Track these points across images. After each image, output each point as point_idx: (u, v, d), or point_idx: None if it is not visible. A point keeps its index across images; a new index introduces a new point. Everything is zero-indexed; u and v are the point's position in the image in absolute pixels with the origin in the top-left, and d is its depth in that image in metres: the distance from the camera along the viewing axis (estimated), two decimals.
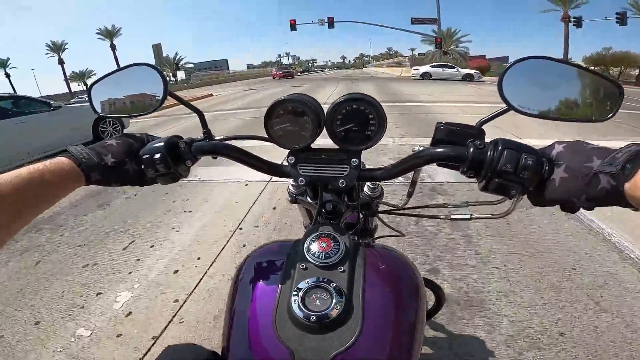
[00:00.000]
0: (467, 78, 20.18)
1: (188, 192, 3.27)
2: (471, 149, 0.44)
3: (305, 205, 0.69)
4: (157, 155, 0.51)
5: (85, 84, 54.52)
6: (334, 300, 0.43)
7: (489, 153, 0.43)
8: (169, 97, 0.56)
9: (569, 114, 0.47)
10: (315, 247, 0.49)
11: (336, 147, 0.52)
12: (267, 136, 0.53)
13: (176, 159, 0.54)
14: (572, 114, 0.47)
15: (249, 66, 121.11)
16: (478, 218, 0.59)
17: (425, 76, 21.39)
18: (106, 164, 0.49)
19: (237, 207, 2.87)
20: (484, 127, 0.47)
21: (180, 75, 52.01)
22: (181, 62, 45.42)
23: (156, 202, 3.07)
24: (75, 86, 55.44)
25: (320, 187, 0.55)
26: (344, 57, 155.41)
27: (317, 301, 0.43)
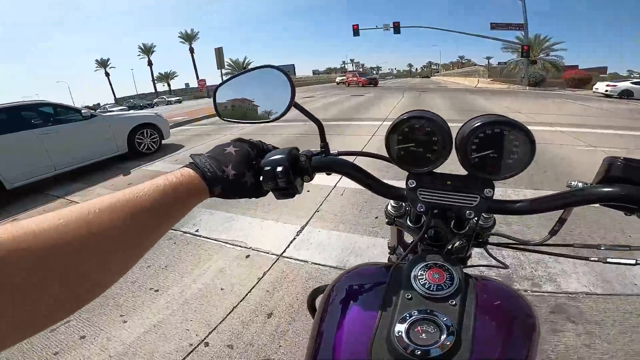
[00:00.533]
0: None
1: (174, 252, 2.49)
2: None
3: (404, 228, 0.64)
4: (280, 169, 0.48)
5: (169, 84, 60.46)
6: (443, 336, 0.39)
7: None
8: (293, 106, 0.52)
9: None
10: (424, 276, 0.46)
11: (462, 173, 0.48)
12: (386, 155, 0.50)
13: (295, 172, 0.51)
14: None
15: (314, 72, 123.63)
16: (613, 264, 0.51)
17: (624, 94, 15.66)
18: (228, 176, 0.47)
19: (219, 299, 1.93)
20: None
21: None
22: (249, 66, 47.05)
23: None
24: (161, 86, 61.87)
25: (429, 212, 0.50)
26: (410, 65, 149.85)
27: (423, 334, 0.40)
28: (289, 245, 2.43)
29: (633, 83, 16.42)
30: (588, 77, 24.21)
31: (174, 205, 0.40)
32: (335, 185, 3.52)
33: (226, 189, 0.47)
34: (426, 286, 0.45)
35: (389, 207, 0.65)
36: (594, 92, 17.37)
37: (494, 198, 0.48)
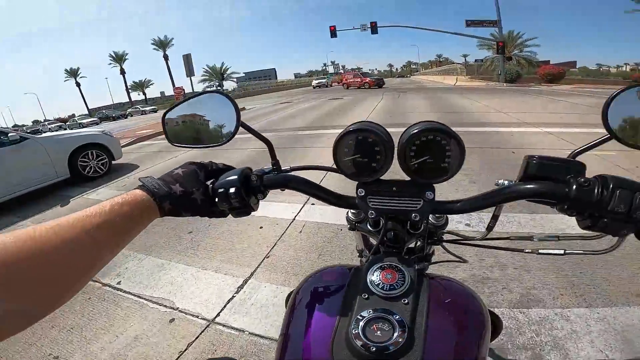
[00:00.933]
0: None
1: (85, 309, 2.06)
2: (574, 187, 0.42)
3: (365, 233, 0.67)
4: (232, 190, 0.50)
5: (144, 93, 58.63)
6: (396, 333, 0.42)
7: (595, 191, 0.41)
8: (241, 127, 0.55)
9: None
10: (378, 277, 0.48)
11: (406, 179, 0.51)
12: (334, 166, 0.52)
13: (248, 192, 0.53)
14: None
15: (296, 75, 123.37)
16: (574, 254, 0.54)
17: None
18: (175, 193, 0.48)
19: None
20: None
21: (229, 85, 53.59)
22: (227, 73, 46.15)
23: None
24: (136, 95, 60.01)
25: (384, 217, 0.54)
26: (390, 65, 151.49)
27: (379, 332, 0.42)
28: (224, 307, 1.93)
29: None
30: (562, 72, 24.59)
31: (126, 224, 0.42)
32: (293, 219, 2.97)
33: (175, 204, 0.48)
34: (380, 286, 0.47)
35: (349, 214, 0.67)
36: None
37: (436, 200, 0.51)
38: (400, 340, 0.41)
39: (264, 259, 2.38)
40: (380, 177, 0.52)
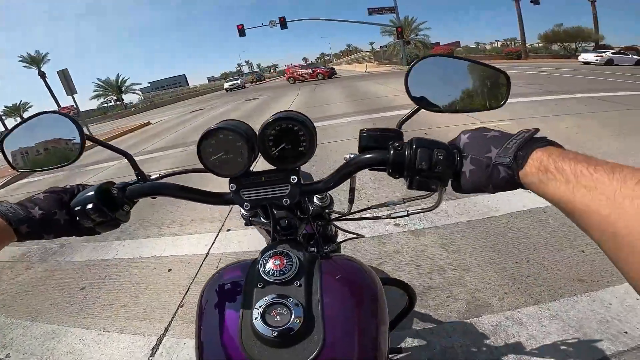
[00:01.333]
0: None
1: None
2: (391, 152, 0.46)
3: (260, 226, 0.70)
4: (90, 206, 0.50)
5: (22, 118, 49.15)
6: (293, 315, 0.45)
7: (406, 153, 0.45)
8: (90, 142, 0.55)
9: (471, 105, 0.52)
10: (270, 265, 0.50)
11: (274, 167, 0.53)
12: (202, 167, 0.53)
13: (111, 205, 0.53)
14: (473, 105, 0.52)
15: (209, 79, 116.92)
16: (413, 213, 0.63)
17: (609, 62, 18.06)
18: (34, 216, 0.48)
19: None
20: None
21: (132, 97, 47.65)
22: (126, 85, 40.80)
23: None
24: (12, 122, 50.00)
25: (269, 206, 0.57)
26: (305, 59, 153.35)
27: (278, 317, 0.45)
28: None
29: (613, 53, 19.11)
30: (450, 51, 27.75)
31: None
32: (207, 254, 2.43)
33: (34, 227, 0.48)
34: (271, 273, 0.49)
35: (242, 210, 0.66)
36: (583, 62, 19.20)
37: (303, 182, 0.54)
38: (298, 320, 0.44)
39: (177, 308, 1.92)
40: (250, 170, 0.53)
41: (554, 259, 1.81)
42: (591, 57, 19.35)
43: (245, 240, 2.47)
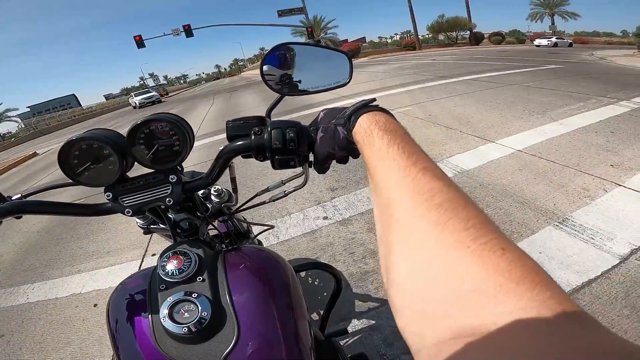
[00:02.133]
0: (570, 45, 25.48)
1: None
2: (252, 137, 0.48)
3: (160, 232, 0.70)
4: None
5: None
6: (200, 308, 0.45)
7: (265, 137, 0.48)
8: None
9: (324, 85, 0.57)
10: (169, 266, 0.50)
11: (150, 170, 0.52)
12: (70, 180, 0.51)
13: None
14: (326, 85, 0.57)
15: (107, 97, 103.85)
16: (289, 192, 0.65)
17: (555, 45, 24.67)
18: None
19: None
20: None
21: (9, 126, 39.63)
22: None
23: None
24: None
25: (162, 210, 0.57)
26: (218, 66, 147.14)
27: (186, 313, 0.45)
28: None
29: (557, 39, 26.28)
30: (358, 47, 29.66)
31: None
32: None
33: None
34: (171, 274, 0.49)
35: (137, 220, 0.67)
36: (537, 45, 25.90)
37: (183, 180, 0.53)
38: (206, 313, 0.45)
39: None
40: (126, 176, 0.52)
41: None
42: (544, 42, 26.63)
43: None
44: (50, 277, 2.51)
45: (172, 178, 0.52)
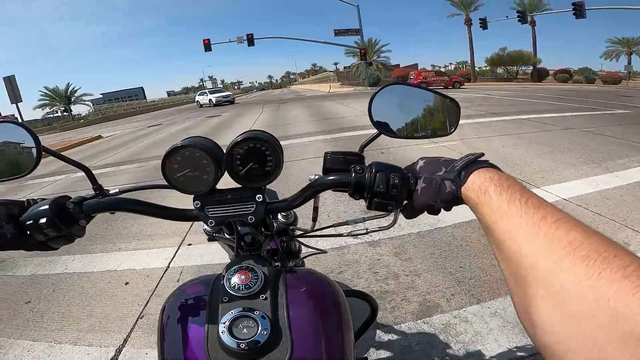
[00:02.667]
0: None
1: None
2: (353, 175, 0.50)
3: (224, 241, 0.71)
4: (43, 220, 0.49)
5: None
6: (260, 327, 0.45)
7: (367, 176, 0.49)
8: (47, 154, 0.54)
9: (424, 132, 0.56)
10: (235, 279, 0.51)
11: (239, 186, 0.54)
12: (165, 184, 0.53)
13: (66, 219, 0.52)
14: (426, 132, 0.56)
15: (169, 93, 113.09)
16: (372, 231, 0.65)
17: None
18: None
19: None
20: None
21: (82, 109, 44.52)
22: (76, 95, 38.15)
23: None
24: None
25: (234, 223, 0.57)
26: (270, 77, 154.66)
27: (245, 329, 0.45)
28: None
29: None
30: (407, 73, 29.53)
31: None
32: (167, 267, 2.38)
33: None
34: (237, 288, 0.50)
35: (205, 226, 0.66)
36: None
37: (267, 201, 0.55)
38: (265, 332, 0.45)
39: (137, 320, 1.88)
40: (215, 187, 0.53)
41: (492, 262, 2.03)
42: None
43: (207, 254, 2.45)
44: (91, 252, 2.72)
45: (259, 197, 0.53)
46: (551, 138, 5.21)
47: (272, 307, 0.48)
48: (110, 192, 0.57)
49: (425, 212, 0.48)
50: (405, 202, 0.49)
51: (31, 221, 0.49)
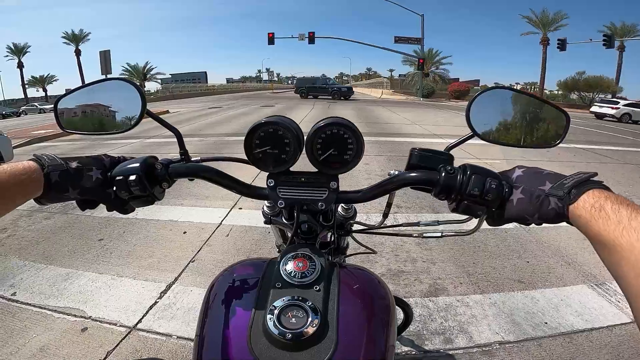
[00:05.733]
0: None
1: None
2: (443, 174, 0.47)
3: (280, 226, 0.69)
4: (133, 177, 0.49)
5: (45, 90, 50.44)
6: (310, 318, 0.43)
7: (458, 178, 0.47)
8: (148, 116, 0.54)
9: (526, 141, 0.53)
10: (291, 266, 0.50)
11: (313, 170, 0.54)
12: (246, 158, 0.53)
13: (152, 180, 0.52)
14: (528, 141, 0.53)
15: (228, 80, 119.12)
16: (448, 236, 0.62)
17: (625, 118, 15.10)
18: (70, 167, 0.48)
19: None
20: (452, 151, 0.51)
21: (152, 86, 48.92)
22: (151, 73, 42.26)
23: None
24: (34, 92, 51.15)
25: (297, 208, 0.56)
26: (324, 75, 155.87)
27: (293, 319, 0.43)
28: (147, 313, 1.79)
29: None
30: (467, 89, 28.29)
31: (8, 189, 0.40)
32: (220, 224, 2.84)
33: (64, 177, 0.46)
34: (293, 275, 0.48)
35: (265, 208, 0.68)
36: (593, 112, 16.62)
37: (340, 190, 0.54)
38: (314, 325, 0.43)
39: (189, 263, 2.25)
40: (290, 169, 0.53)
41: (503, 264, 2.23)
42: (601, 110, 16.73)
43: (254, 218, 2.86)
44: (158, 203, 3.30)
45: (333, 184, 0.53)
46: (602, 169, 5.00)
47: (324, 300, 0.46)
48: (192, 160, 0.57)
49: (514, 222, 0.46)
50: (494, 209, 0.47)
51: (121, 177, 0.49)
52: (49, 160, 0.46)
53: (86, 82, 0.57)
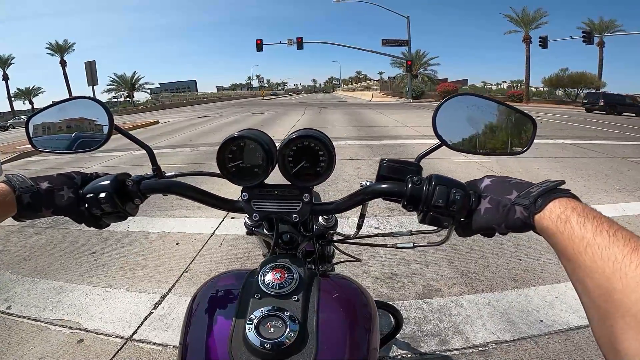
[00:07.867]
0: None
1: None
2: (409, 185, 0.47)
3: (262, 236, 0.70)
4: (103, 195, 0.50)
5: (31, 102, 49.73)
6: (288, 328, 0.44)
7: (424, 189, 0.46)
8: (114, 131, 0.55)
9: (492, 148, 0.53)
10: (269, 277, 0.50)
11: (288, 182, 0.54)
12: (219, 172, 0.53)
13: (124, 197, 0.52)
14: (495, 148, 0.53)
15: (218, 88, 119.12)
16: (419, 246, 0.62)
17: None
18: (40, 188, 0.48)
19: None
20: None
21: (141, 96, 48.65)
22: (139, 83, 41.97)
23: None
24: (20, 104, 50.40)
25: (275, 219, 0.57)
26: (314, 81, 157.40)
27: (272, 329, 0.44)
28: (142, 324, 1.79)
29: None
30: (456, 89, 28.69)
31: None
32: (212, 234, 2.82)
33: (35, 199, 0.47)
34: (270, 285, 0.49)
35: (246, 219, 0.68)
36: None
37: (314, 202, 0.54)
38: (293, 335, 0.43)
39: (182, 273, 2.25)
40: (264, 181, 0.54)
41: (496, 263, 2.24)
42: None
43: None
44: (150, 215, 3.21)
45: (306, 197, 0.53)
46: (590, 164, 5.09)
47: (303, 310, 0.47)
48: (166, 175, 0.58)
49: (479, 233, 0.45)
50: (462, 219, 0.47)
51: (91, 194, 0.50)
52: (19, 182, 0.47)
53: (54, 101, 0.59)
